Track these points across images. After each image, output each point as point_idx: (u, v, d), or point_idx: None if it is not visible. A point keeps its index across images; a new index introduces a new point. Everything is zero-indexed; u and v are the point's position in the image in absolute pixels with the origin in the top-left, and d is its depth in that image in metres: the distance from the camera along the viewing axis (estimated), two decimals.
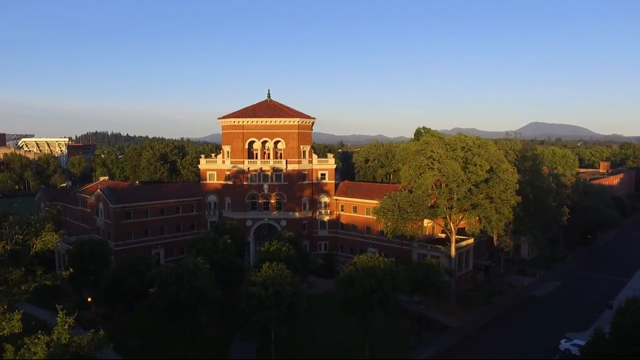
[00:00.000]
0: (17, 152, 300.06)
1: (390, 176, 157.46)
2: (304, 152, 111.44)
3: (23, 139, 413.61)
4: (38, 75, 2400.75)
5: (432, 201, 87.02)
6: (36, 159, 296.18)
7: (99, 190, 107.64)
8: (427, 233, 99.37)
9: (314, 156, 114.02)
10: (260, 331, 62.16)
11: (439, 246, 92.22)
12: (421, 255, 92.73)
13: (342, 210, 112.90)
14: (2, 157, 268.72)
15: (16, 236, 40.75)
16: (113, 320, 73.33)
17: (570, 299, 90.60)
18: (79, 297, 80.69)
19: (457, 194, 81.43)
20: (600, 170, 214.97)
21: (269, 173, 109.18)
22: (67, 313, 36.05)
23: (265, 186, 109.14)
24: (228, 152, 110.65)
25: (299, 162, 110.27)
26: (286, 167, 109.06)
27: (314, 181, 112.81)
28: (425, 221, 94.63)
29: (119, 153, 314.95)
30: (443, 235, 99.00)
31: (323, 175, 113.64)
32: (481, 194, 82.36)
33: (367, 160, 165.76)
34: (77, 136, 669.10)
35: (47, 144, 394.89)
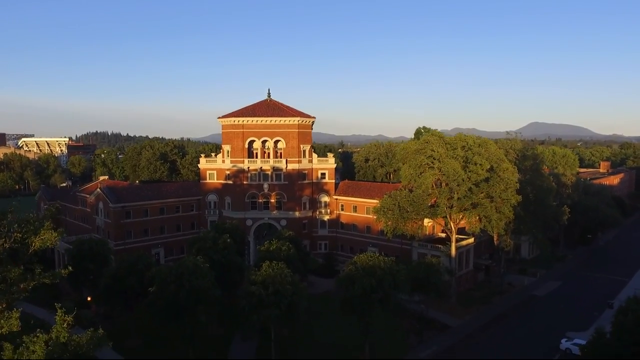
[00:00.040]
0: (17, 151, 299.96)
1: (390, 176, 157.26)
2: (304, 151, 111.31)
3: (23, 139, 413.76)
4: (38, 75, 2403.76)
5: (433, 200, 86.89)
6: (36, 158, 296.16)
7: (98, 189, 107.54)
8: (427, 232, 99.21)
9: (314, 155, 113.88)
10: (260, 330, 62.12)
11: (439, 246, 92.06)
12: (421, 255, 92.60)
13: (342, 209, 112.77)
14: (2, 157, 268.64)
15: (15, 234, 40.61)
16: (113, 320, 73.19)
17: (570, 299, 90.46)
18: (79, 297, 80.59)
19: (457, 193, 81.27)
20: (601, 170, 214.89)
21: (269, 172, 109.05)
22: (66, 311, 35.89)
23: (265, 185, 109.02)
24: (228, 151, 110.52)
25: (299, 162, 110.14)
26: (286, 167, 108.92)
27: (314, 180, 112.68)
28: (426, 220, 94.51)
29: (119, 153, 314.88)
30: (443, 235, 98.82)
31: (323, 174, 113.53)
32: (481, 193, 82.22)
33: (367, 160, 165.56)
34: (78, 136, 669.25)
35: (47, 143, 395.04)
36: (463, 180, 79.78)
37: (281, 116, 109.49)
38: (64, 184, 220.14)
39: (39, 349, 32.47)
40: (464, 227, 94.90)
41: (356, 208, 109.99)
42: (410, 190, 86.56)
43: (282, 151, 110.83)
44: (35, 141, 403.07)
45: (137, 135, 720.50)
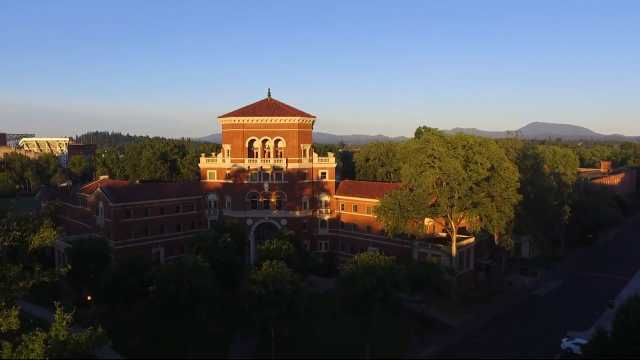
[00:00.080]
0: (18, 151, 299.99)
1: (390, 175, 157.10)
2: (305, 150, 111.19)
3: (24, 139, 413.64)
4: (38, 75, 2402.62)
5: (433, 200, 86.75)
6: (37, 158, 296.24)
7: (99, 189, 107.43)
8: (427, 232, 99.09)
9: (315, 155, 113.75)
10: (261, 330, 61.90)
11: (440, 245, 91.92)
12: (422, 254, 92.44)
13: (343, 209, 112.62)
14: (2, 157, 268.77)
15: (14, 232, 40.49)
16: (113, 319, 73.12)
17: (571, 298, 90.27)
18: (79, 296, 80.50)
19: (458, 193, 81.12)
20: (601, 170, 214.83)
21: (270, 172, 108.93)
22: (65, 310, 35.76)
23: (266, 185, 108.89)
24: (228, 150, 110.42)
25: (300, 161, 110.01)
26: (286, 166, 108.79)
27: (314, 180, 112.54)
28: (426, 220, 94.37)
29: (119, 153, 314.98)
30: (444, 234, 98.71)
31: (323, 174, 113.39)
32: (482, 192, 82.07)
33: (367, 160, 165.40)
34: (78, 136, 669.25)
35: (48, 143, 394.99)
36: (464, 180, 79.63)
37: (281, 115, 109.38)
38: (65, 184, 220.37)
39: (38, 348, 32.33)
40: (465, 227, 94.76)
41: (357, 207, 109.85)
42: (411, 190, 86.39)
43: (283, 150, 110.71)
44: (36, 141, 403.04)
45: (137, 135, 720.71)
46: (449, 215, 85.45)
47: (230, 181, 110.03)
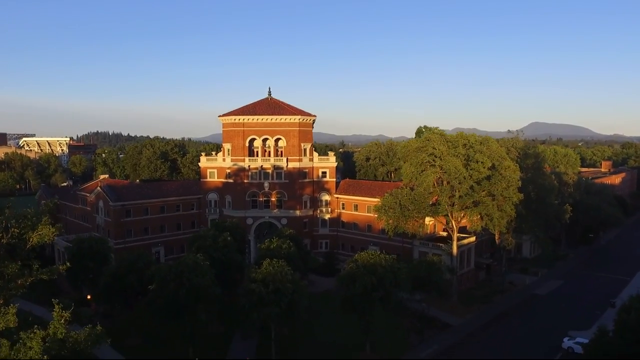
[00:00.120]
0: (18, 151, 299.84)
1: (391, 174, 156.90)
2: (305, 149, 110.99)
3: (24, 139, 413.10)
4: (38, 75, 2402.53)
5: (434, 199, 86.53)
6: (37, 158, 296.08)
7: (99, 188, 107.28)
8: (428, 231, 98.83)
9: (315, 154, 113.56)
10: (261, 329, 61.72)
11: (441, 244, 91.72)
12: (422, 254, 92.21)
13: (343, 208, 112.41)
14: (3, 157, 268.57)
15: (12, 229, 40.29)
16: (112, 318, 72.89)
17: (572, 298, 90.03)
18: (79, 295, 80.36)
19: (458, 191, 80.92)
20: (602, 170, 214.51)
21: (270, 171, 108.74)
22: (64, 308, 35.54)
23: (266, 184, 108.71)
24: (229, 150, 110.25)
25: (300, 160, 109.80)
26: (287, 165, 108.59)
27: (314, 179, 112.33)
28: (427, 219, 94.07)
29: (119, 153, 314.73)
30: (444, 234, 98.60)
31: (324, 173, 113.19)
32: (483, 191, 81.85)
33: (368, 159, 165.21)
34: (79, 136, 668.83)
35: (48, 143, 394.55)
36: (464, 178, 79.42)
37: (282, 114, 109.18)
38: (65, 184, 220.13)
39: (36, 345, 32.10)
40: (466, 226, 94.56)
41: (357, 207, 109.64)
42: (412, 189, 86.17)
43: (283, 149, 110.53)
44: (36, 141, 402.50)
45: (138, 135, 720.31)
46: (449, 214, 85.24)
47: (231, 180, 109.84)
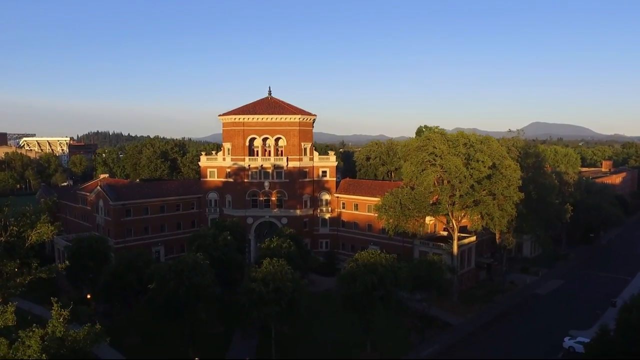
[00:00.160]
0: (19, 151, 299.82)
1: (391, 174, 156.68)
2: (305, 149, 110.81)
3: (24, 139, 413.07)
4: (38, 75, 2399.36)
5: (434, 198, 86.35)
6: (37, 158, 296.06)
7: (99, 187, 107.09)
8: (429, 230, 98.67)
9: (315, 153, 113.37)
10: (261, 328, 61.64)
11: (441, 244, 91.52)
12: (423, 253, 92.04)
13: (344, 207, 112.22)
14: (3, 156, 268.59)
15: (11, 228, 40.12)
16: (112, 318, 72.85)
17: (573, 297, 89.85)
18: (79, 295, 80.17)
19: (459, 191, 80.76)
20: (603, 169, 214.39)
21: (270, 170, 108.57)
22: (62, 306, 35.38)
23: (266, 183, 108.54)
24: (229, 149, 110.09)
25: (300, 160, 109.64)
26: (287, 165, 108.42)
27: (315, 178, 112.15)
28: (427, 218, 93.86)
29: (120, 152, 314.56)
30: (445, 233, 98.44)
31: (324, 172, 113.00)
32: (483, 190, 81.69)
33: (368, 158, 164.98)
34: (79, 136, 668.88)
35: (49, 143, 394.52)
36: (465, 177, 79.26)
37: (282, 114, 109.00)
38: (65, 183, 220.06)
39: (34, 344, 31.94)
40: (466, 226, 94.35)
41: (357, 206, 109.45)
42: (412, 188, 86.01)
43: (283, 149, 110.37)
44: (37, 141, 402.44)
45: (138, 135, 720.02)
46: (450, 214, 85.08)
47: (231, 180, 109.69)
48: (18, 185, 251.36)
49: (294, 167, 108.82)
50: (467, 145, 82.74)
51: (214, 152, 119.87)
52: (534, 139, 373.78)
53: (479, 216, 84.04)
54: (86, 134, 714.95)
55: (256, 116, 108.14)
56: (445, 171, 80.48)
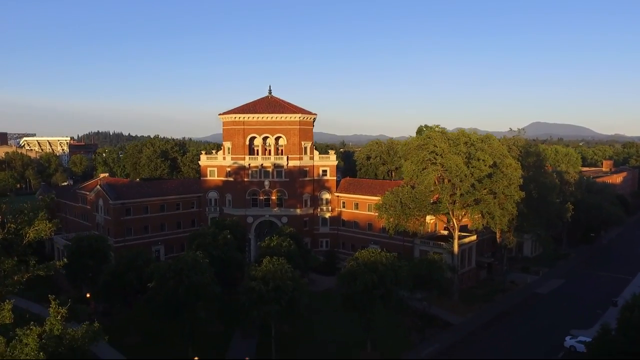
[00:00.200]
0: (19, 150, 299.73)
1: (392, 173, 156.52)
2: (305, 148, 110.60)
3: (25, 138, 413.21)
4: (38, 75, 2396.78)
5: (435, 197, 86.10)
6: (38, 157, 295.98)
7: (98, 186, 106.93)
8: (429, 230, 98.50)
9: (316, 152, 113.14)
10: (261, 327, 61.46)
11: (442, 243, 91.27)
12: (423, 252, 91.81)
13: (344, 207, 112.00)
14: (3, 156, 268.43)
15: (9, 225, 39.89)
16: (112, 317, 72.67)
17: (573, 297, 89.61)
18: (78, 294, 79.86)
19: (460, 189, 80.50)
20: (603, 169, 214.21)
21: (270, 169, 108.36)
22: (60, 304, 35.15)
23: (266, 182, 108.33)
24: (229, 148, 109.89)
25: (300, 159, 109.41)
26: (287, 164, 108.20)
27: (315, 178, 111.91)
28: (428, 217, 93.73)
29: (120, 152, 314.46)
30: (445, 232, 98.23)
31: (324, 171, 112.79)
32: (484, 189, 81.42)
33: (368, 158, 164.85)
34: (79, 136, 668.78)
35: (49, 143, 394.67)
36: (466, 176, 79.00)
37: (282, 113, 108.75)
38: (65, 183, 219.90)
39: (32, 342, 31.71)
40: (467, 225, 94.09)
41: (358, 205, 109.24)
42: (413, 187, 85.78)
43: (283, 148, 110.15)
44: (37, 140, 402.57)
45: (138, 135, 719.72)
46: (450, 213, 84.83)
47: (231, 179, 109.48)
48: (18, 185, 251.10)
49: (294, 166, 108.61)
50: (468, 144, 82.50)
51: (214, 152, 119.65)
52: (535, 139, 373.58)
53: (480, 215, 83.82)
54: (86, 134, 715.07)
55: (256, 115, 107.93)
56: (446, 170, 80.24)
